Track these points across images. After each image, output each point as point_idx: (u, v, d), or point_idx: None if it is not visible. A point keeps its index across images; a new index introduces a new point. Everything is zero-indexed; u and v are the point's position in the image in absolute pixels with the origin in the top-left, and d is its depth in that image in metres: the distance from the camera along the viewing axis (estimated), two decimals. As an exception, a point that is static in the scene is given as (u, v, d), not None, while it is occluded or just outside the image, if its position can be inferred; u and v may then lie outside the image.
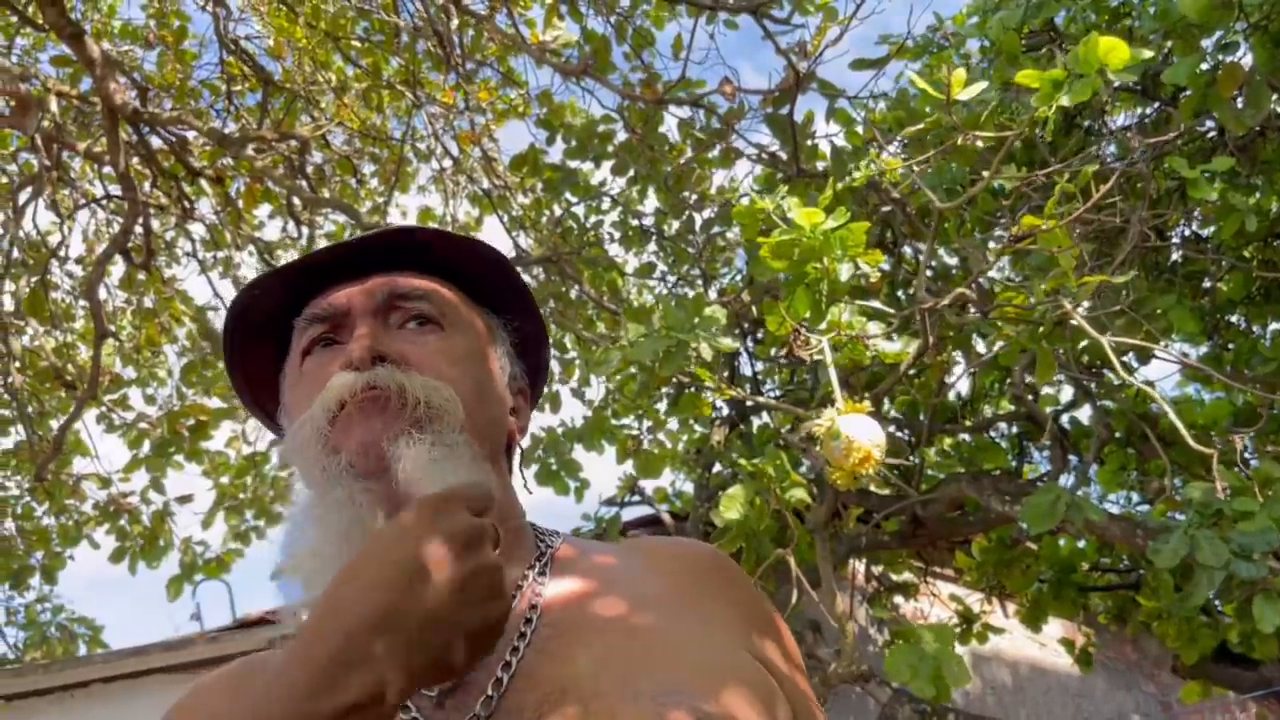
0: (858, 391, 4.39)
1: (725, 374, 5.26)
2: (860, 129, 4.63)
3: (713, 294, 5.73)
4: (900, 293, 5.10)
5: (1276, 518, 3.16)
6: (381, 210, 6.33)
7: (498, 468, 0.99)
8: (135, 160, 4.92)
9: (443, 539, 0.74)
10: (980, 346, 4.56)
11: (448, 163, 6.24)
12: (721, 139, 5.26)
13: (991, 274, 4.15)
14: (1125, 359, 4.26)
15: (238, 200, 5.94)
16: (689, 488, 6.09)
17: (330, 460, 0.89)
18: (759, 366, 5.91)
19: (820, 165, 4.76)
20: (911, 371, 4.08)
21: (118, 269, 6.15)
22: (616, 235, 6.37)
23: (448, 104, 5.86)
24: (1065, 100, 2.31)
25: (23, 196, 5.41)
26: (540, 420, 8.73)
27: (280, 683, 0.68)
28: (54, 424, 6.14)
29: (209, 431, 6.11)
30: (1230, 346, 5.20)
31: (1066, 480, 5.11)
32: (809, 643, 4.52)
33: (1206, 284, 5.03)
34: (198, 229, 6.23)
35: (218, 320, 6.43)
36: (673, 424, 5.85)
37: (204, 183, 5.62)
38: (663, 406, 5.72)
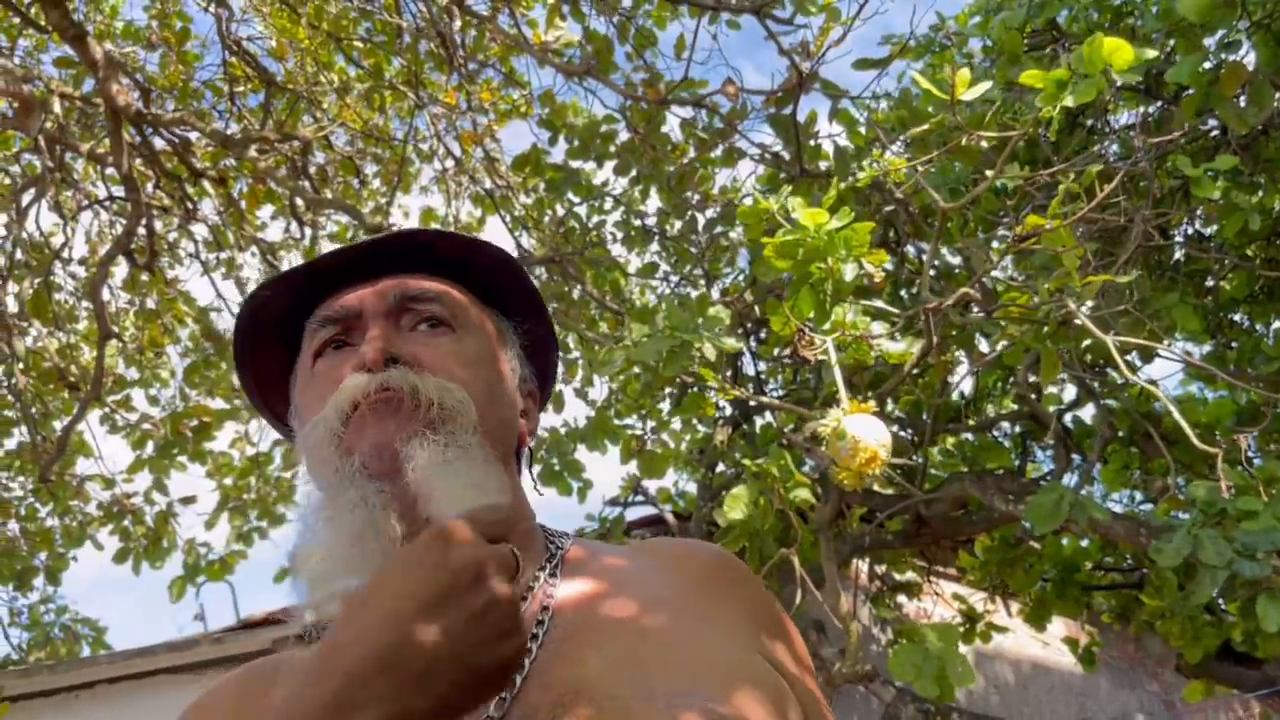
0: (861, 391, 4.39)
1: (728, 374, 5.26)
2: (863, 129, 4.64)
3: (715, 294, 5.72)
4: (903, 292, 5.10)
5: (1280, 516, 3.16)
6: (384, 211, 6.33)
7: (508, 469, 1.00)
8: (138, 161, 4.92)
9: (455, 571, 0.72)
10: (984, 346, 4.56)
11: (450, 163, 6.24)
12: (724, 139, 5.27)
13: (995, 273, 4.15)
14: (1128, 358, 4.26)
15: (240, 201, 5.94)
16: (692, 488, 6.09)
17: (343, 461, 0.89)
18: (762, 366, 5.91)
19: (823, 165, 4.76)
20: (915, 371, 4.08)
21: (121, 270, 6.17)
22: (619, 235, 6.38)
23: (450, 104, 5.86)
24: (1070, 101, 2.31)
25: (26, 198, 5.42)
26: (543, 421, 8.73)
27: None
28: (57, 425, 6.15)
29: (212, 432, 6.12)
30: (1233, 345, 5.21)
31: (1070, 479, 5.11)
32: (813, 642, 4.52)
33: (1209, 283, 5.03)
34: (200, 230, 6.24)
35: (220, 321, 6.45)
36: (676, 424, 5.85)
37: (207, 184, 5.62)
38: (665, 406, 5.72)
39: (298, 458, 1.03)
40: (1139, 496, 6.03)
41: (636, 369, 3.97)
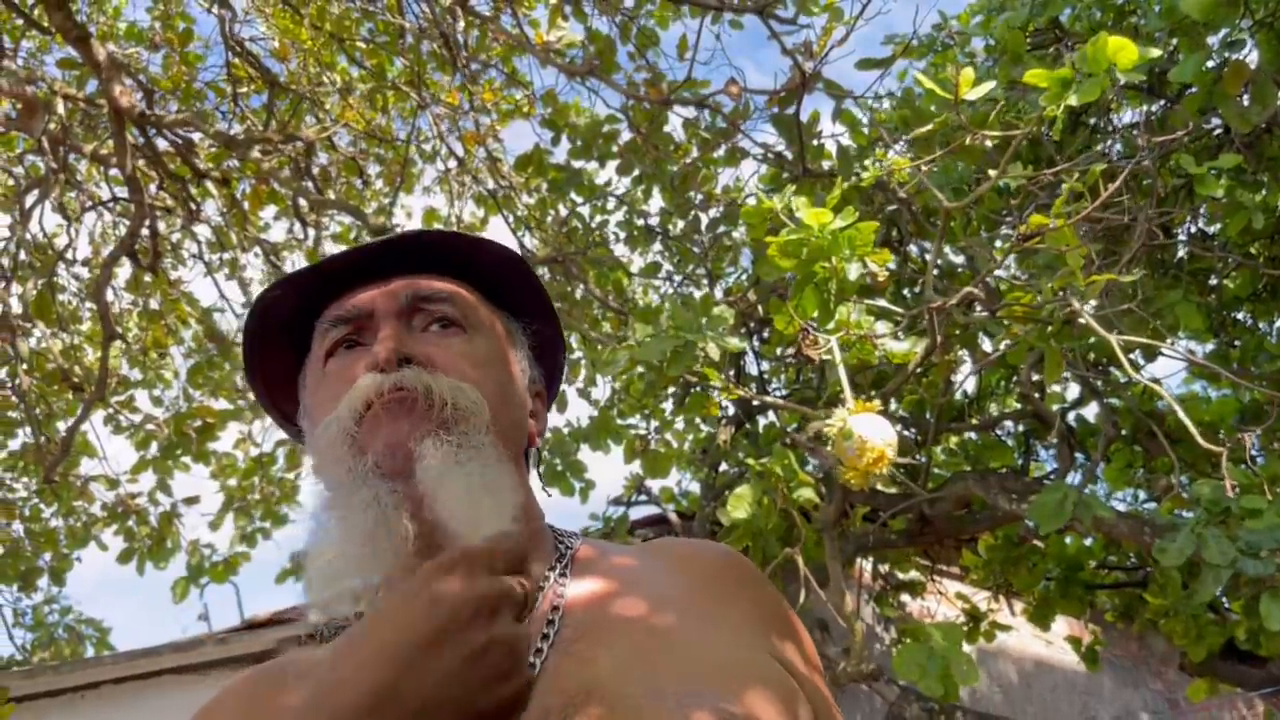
0: (864, 390, 4.39)
1: (731, 373, 5.26)
2: (866, 129, 4.64)
3: (718, 293, 5.73)
4: (906, 291, 5.10)
5: (1285, 515, 3.16)
6: (387, 211, 6.34)
7: (519, 470, 1.00)
8: (141, 162, 4.92)
9: (455, 607, 0.70)
10: (987, 345, 4.56)
11: (453, 163, 6.24)
12: (727, 139, 5.27)
13: (998, 273, 4.15)
14: (1132, 357, 4.26)
15: (243, 202, 5.94)
16: (695, 487, 6.09)
17: (356, 460, 0.89)
18: (764, 366, 5.91)
19: (826, 165, 4.76)
20: (918, 370, 4.08)
21: (124, 271, 6.18)
22: (622, 235, 6.38)
23: (453, 104, 5.86)
24: (1074, 100, 2.32)
25: (30, 199, 5.42)
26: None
27: None
28: (61, 426, 6.15)
29: (216, 433, 6.12)
30: (1237, 344, 5.20)
31: (1073, 478, 5.11)
32: (817, 641, 4.50)
33: (1213, 281, 5.03)
34: (204, 231, 6.24)
35: (224, 322, 6.45)
36: (679, 423, 5.86)
37: (210, 184, 5.63)
38: (669, 406, 5.72)
39: (305, 457, 1.04)
40: (1142, 495, 6.03)
41: (640, 369, 3.97)
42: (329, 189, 6.15)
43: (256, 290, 6.29)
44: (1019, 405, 5.73)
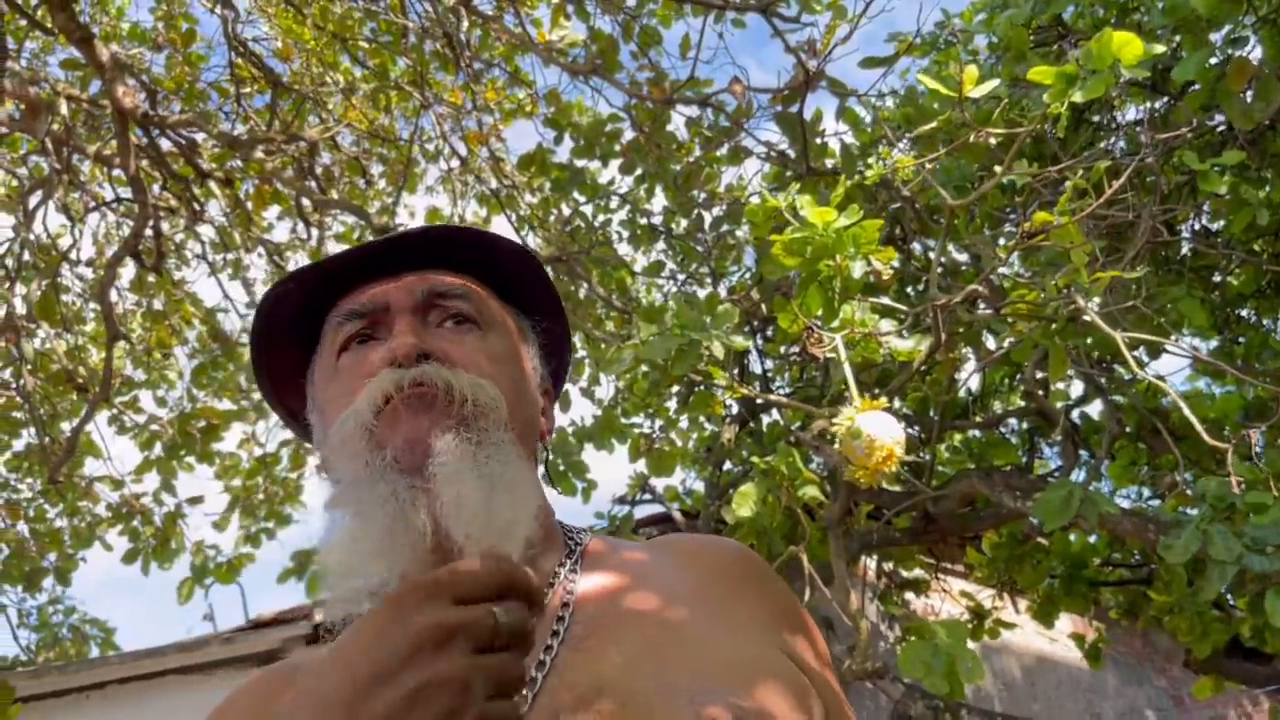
0: (868, 388, 4.39)
1: (735, 372, 5.26)
2: (869, 126, 4.64)
3: (722, 292, 5.73)
4: (910, 289, 5.10)
5: (1290, 511, 3.16)
6: (390, 211, 6.34)
7: (532, 467, 1.00)
8: (145, 163, 4.93)
9: (397, 643, 0.66)
10: (991, 343, 4.56)
11: (455, 163, 6.25)
12: (730, 137, 5.26)
13: (1003, 270, 4.15)
14: (1136, 354, 4.26)
15: (247, 202, 5.95)
16: (700, 486, 6.10)
17: (374, 455, 0.89)
18: (768, 364, 5.91)
19: (829, 163, 4.76)
20: (922, 368, 4.08)
21: (128, 271, 6.18)
22: (625, 234, 6.38)
23: (455, 104, 5.86)
24: (1078, 96, 2.31)
25: (33, 200, 5.43)
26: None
27: None
28: (66, 426, 6.16)
29: (220, 433, 6.13)
30: (1241, 340, 5.20)
31: (1078, 475, 5.10)
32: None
33: (1217, 278, 5.03)
34: (207, 231, 6.25)
35: (228, 322, 6.46)
36: (683, 422, 5.86)
37: (213, 185, 5.63)
38: (673, 405, 5.73)
39: (316, 452, 1.03)
40: (1147, 492, 6.02)
41: (644, 367, 3.97)
42: (332, 189, 6.15)
43: (260, 291, 6.29)
44: (1023, 403, 5.73)
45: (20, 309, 5.40)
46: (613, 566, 0.96)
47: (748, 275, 5.91)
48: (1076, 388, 5.65)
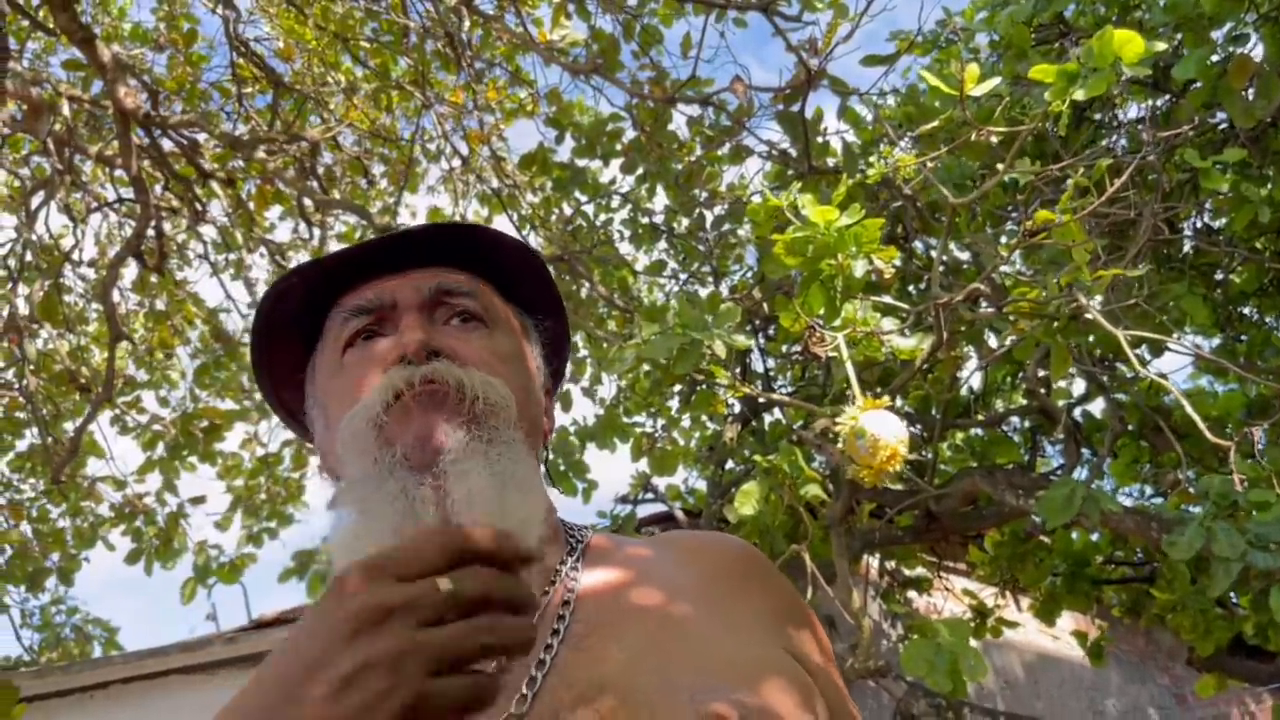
0: (870, 387, 4.39)
1: (737, 371, 5.26)
2: (870, 125, 4.64)
3: (723, 291, 5.73)
4: (912, 287, 5.10)
5: (1293, 508, 3.16)
6: (391, 211, 6.34)
7: (537, 467, 1.00)
8: (147, 163, 4.93)
9: (333, 627, 0.63)
10: (993, 341, 4.56)
11: (457, 162, 6.25)
12: (731, 136, 5.26)
13: (1004, 268, 4.15)
14: (1138, 352, 4.26)
15: (249, 202, 5.95)
16: (702, 485, 6.10)
17: (384, 451, 0.88)
18: (770, 363, 5.91)
19: (830, 162, 4.76)
20: (924, 366, 4.08)
21: (130, 272, 6.18)
22: (626, 233, 6.38)
23: (457, 104, 5.86)
24: (1080, 94, 2.31)
25: (35, 200, 5.43)
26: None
27: None
28: (69, 427, 6.16)
29: (222, 433, 6.13)
30: (1243, 338, 5.20)
31: (1080, 474, 5.10)
32: (824, 638, 4.51)
33: (1219, 275, 5.03)
34: (209, 231, 6.25)
35: (230, 322, 6.46)
36: (685, 421, 5.86)
37: (215, 185, 5.64)
38: (675, 404, 5.73)
39: (316, 448, 1.02)
40: (1149, 490, 6.02)
41: (646, 366, 3.97)
42: (334, 189, 6.16)
43: (262, 290, 6.28)
44: (1025, 401, 5.72)
45: (23, 309, 5.41)
46: (615, 563, 0.96)
47: (749, 274, 5.91)
48: (1079, 386, 5.65)
